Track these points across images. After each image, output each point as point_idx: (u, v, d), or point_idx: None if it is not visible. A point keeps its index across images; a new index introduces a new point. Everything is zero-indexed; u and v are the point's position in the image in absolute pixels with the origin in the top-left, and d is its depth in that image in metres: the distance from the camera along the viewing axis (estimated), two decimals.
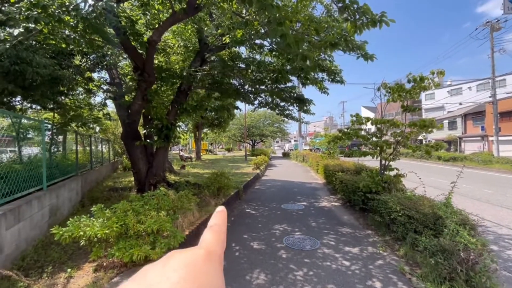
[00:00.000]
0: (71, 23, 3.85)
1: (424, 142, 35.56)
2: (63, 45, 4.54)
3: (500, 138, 26.35)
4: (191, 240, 4.36)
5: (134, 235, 2.92)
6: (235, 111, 31.52)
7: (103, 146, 12.76)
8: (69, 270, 2.90)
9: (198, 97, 8.12)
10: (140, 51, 5.59)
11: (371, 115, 48.62)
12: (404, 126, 4.94)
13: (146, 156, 6.93)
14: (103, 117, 7.81)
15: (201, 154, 35.68)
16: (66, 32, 4.43)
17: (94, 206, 3.33)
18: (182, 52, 7.04)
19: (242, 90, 7.01)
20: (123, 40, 4.82)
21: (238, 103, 24.11)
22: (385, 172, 5.86)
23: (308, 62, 3.21)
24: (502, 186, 10.24)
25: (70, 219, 3.05)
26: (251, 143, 38.29)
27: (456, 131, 37.96)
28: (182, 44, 6.81)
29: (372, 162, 10.05)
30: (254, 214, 6.57)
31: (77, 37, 4.14)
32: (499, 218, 6.19)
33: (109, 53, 5.91)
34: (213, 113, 25.83)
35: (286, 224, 5.76)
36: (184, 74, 5.72)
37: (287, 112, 9.73)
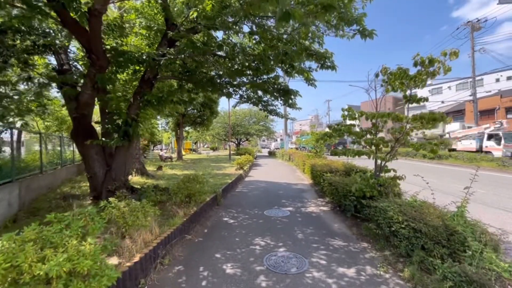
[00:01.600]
0: None
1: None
2: None
3: None
4: (144, 265, 3.38)
5: (33, 281, 1.93)
6: (219, 108, 30.41)
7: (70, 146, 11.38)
8: None
9: (171, 89, 7.06)
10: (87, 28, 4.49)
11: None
12: (406, 121, 4.19)
13: (104, 157, 5.82)
14: (36, 109, 6.55)
15: (184, 153, 34.31)
16: None
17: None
18: (147, 34, 5.95)
19: (219, 81, 6.04)
20: (58, 9, 3.73)
21: (222, 101, 22.95)
22: (381, 174, 5.13)
23: (291, 22, 2.39)
24: (493, 185, 9.94)
25: None
26: (236, 142, 37.28)
27: (437, 129, 38.83)
28: (144, 23, 5.74)
29: (361, 162, 9.40)
30: (232, 224, 5.65)
31: None
32: (501, 222, 5.63)
33: (49, 31, 4.77)
34: (195, 110, 24.61)
35: (269, 237, 4.89)
36: (145, 58, 4.69)
37: (271, 107, 8.87)
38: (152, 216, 3.95)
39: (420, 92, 39.08)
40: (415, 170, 6.51)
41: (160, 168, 13.49)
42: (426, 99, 4.07)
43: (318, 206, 7.27)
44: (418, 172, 5.33)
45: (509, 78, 38.46)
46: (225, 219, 6.06)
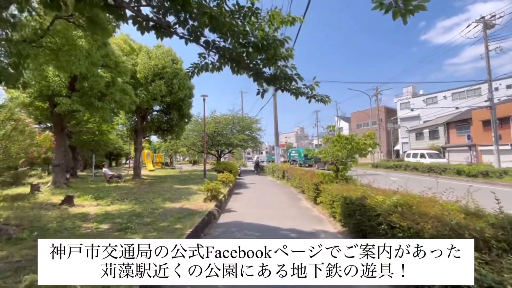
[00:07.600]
0: None
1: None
2: None
3: (491, 147, 23.37)
4: None
5: None
6: (195, 112, 24.75)
7: None
8: None
9: None
10: None
11: (345, 125, 45.96)
12: None
13: None
14: None
15: (153, 168, 28.05)
16: None
17: None
18: None
19: None
20: None
21: (196, 103, 16.73)
22: None
23: None
24: None
25: None
26: (216, 155, 31.56)
27: (439, 141, 35.29)
28: None
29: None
30: None
31: None
32: None
33: None
34: (161, 113, 18.97)
35: None
36: None
37: (275, 70, 3.73)
38: None
39: (413, 102, 35.67)
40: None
41: (68, 199, 7.64)
42: None
43: None
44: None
45: (508, 86, 36.46)
46: None
